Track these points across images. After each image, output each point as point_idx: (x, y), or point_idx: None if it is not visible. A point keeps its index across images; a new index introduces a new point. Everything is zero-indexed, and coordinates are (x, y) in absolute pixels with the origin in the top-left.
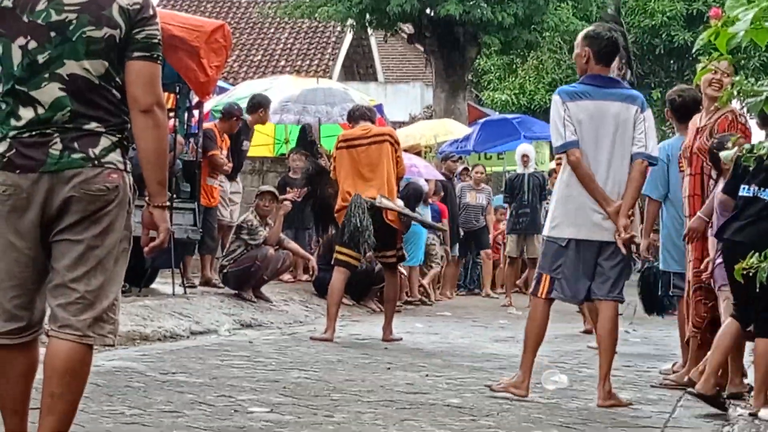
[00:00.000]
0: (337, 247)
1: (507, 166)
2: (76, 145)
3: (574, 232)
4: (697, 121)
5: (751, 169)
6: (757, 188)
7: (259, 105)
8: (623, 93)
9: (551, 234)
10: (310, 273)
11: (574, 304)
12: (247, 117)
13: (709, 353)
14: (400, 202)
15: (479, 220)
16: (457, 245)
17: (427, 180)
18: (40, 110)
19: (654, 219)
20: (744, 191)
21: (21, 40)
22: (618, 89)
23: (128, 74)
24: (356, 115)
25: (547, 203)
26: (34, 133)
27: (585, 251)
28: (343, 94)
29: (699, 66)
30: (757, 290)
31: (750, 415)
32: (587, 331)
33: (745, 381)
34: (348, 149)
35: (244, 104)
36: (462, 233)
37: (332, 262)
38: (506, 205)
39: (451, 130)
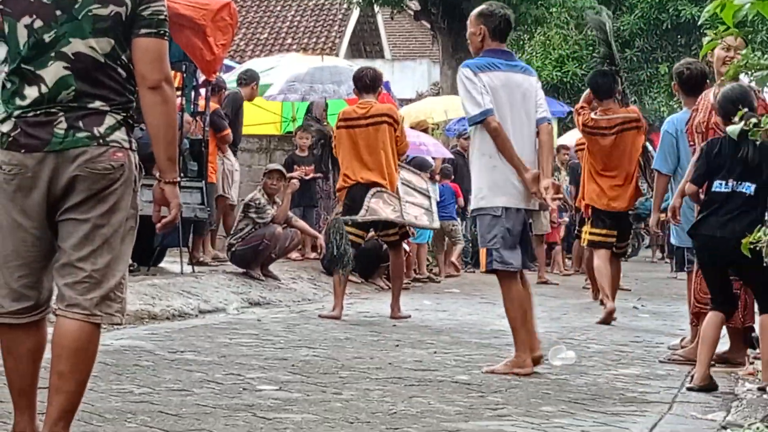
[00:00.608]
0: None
1: None
2: (81, 123)
3: (506, 201)
4: (711, 97)
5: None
6: (735, 183)
7: (252, 78)
8: (521, 65)
9: (482, 205)
10: (318, 251)
11: (514, 270)
12: (238, 90)
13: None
14: (406, 175)
15: None
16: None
17: (434, 158)
18: (45, 89)
19: (663, 193)
20: (720, 187)
21: (26, 19)
22: (516, 61)
23: (135, 51)
24: (359, 85)
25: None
26: (39, 112)
27: (516, 219)
28: (349, 72)
29: (705, 40)
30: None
31: (759, 389)
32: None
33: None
34: (347, 129)
35: None
36: None
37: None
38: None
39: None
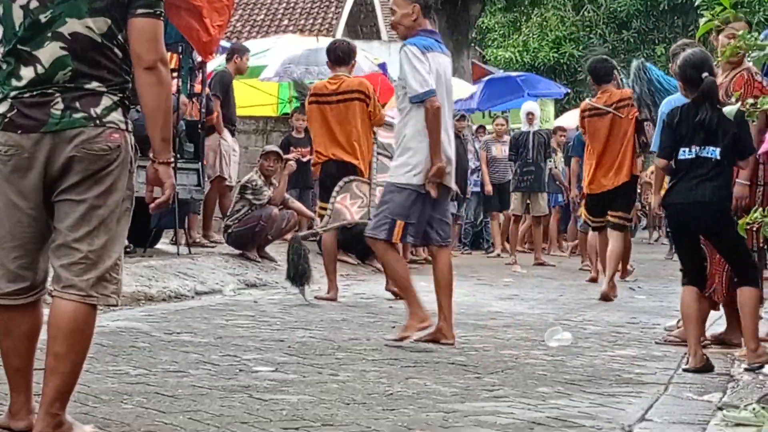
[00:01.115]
0: (320, 203)
1: (511, 124)
2: (77, 104)
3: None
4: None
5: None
6: (698, 148)
7: (232, 52)
8: (445, 47)
9: (413, 182)
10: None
11: (416, 245)
12: (225, 68)
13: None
14: (383, 138)
15: (508, 173)
16: (466, 204)
17: None
18: (41, 69)
19: (664, 176)
20: (685, 154)
21: (22, 0)
22: (442, 43)
23: (131, 31)
24: (332, 57)
25: (551, 161)
26: (35, 92)
27: (436, 197)
28: None
29: (702, 21)
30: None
31: (746, 370)
32: (593, 280)
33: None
34: (318, 104)
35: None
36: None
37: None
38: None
39: (456, 88)
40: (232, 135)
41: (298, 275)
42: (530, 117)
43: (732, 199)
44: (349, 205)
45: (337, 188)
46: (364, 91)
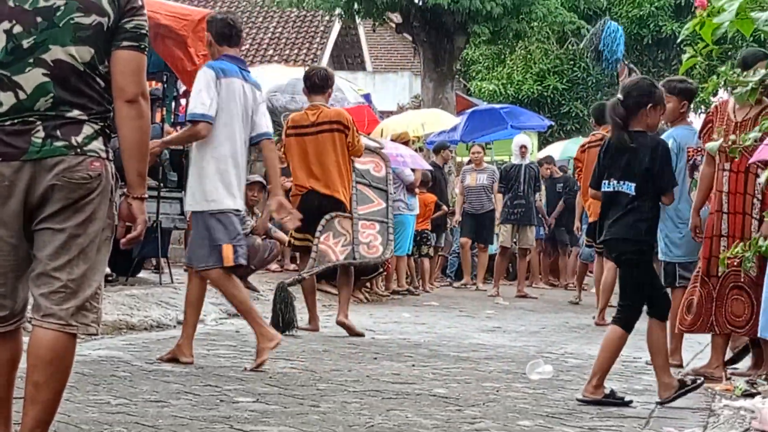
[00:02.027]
0: (292, 233)
1: (494, 156)
2: (58, 132)
3: (234, 203)
4: (731, 116)
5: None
6: (616, 182)
7: None
8: (248, 75)
9: (229, 206)
10: (297, 264)
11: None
12: None
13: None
14: (360, 166)
15: (483, 202)
16: (445, 235)
17: (413, 170)
18: (22, 95)
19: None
20: (606, 187)
21: (6, 24)
22: (246, 70)
23: (115, 63)
24: (308, 84)
25: (539, 195)
26: (16, 120)
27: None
28: None
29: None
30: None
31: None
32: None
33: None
34: (296, 137)
35: None
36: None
37: (291, 248)
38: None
39: (440, 119)
40: None
41: (284, 324)
42: (523, 150)
43: (651, 234)
44: (333, 245)
45: (320, 227)
46: (342, 121)
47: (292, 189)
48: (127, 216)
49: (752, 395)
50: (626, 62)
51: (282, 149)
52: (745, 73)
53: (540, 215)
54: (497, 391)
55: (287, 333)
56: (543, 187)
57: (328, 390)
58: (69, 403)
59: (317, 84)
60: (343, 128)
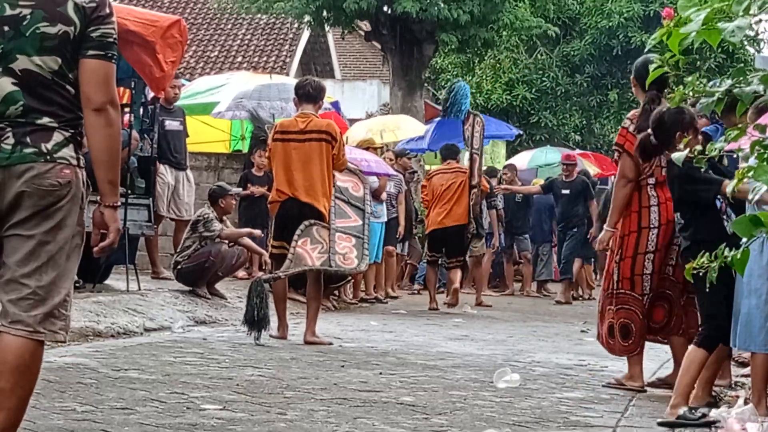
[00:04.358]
0: (271, 241)
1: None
2: (28, 139)
3: None
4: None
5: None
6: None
7: None
8: None
9: None
10: (265, 269)
11: None
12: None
13: None
14: (341, 183)
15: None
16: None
17: (378, 176)
18: None
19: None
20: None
21: None
22: None
23: (82, 72)
24: (301, 93)
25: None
26: None
27: None
28: None
29: (652, 67)
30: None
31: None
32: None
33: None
34: (283, 142)
35: (199, 100)
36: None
37: (268, 257)
38: None
39: (402, 125)
40: (180, 170)
41: (258, 320)
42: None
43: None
44: (310, 250)
45: (298, 231)
46: (331, 132)
47: (272, 194)
48: (100, 224)
49: (716, 405)
50: (472, 111)
51: (267, 154)
52: (711, 83)
53: (499, 223)
54: (464, 399)
55: (260, 329)
56: (499, 196)
57: (295, 398)
58: (34, 409)
59: (311, 93)
60: (331, 139)
